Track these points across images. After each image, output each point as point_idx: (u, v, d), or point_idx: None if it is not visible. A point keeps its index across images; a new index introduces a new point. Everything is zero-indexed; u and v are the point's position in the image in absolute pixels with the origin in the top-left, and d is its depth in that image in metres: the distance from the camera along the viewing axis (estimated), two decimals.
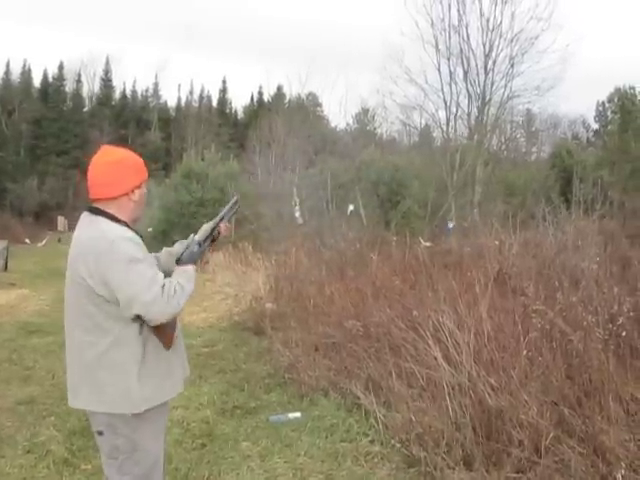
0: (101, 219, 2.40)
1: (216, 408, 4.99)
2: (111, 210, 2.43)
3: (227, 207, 2.87)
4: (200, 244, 2.66)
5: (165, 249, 2.77)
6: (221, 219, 2.78)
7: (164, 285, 2.35)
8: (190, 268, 2.55)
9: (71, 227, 35.04)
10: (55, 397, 5.26)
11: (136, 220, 2.54)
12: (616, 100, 37.28)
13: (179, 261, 2.59)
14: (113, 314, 2.34)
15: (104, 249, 2.31)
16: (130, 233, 2.41)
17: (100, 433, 2.45)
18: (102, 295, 2.32)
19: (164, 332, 2.43)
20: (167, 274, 2.47)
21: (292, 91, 50.22)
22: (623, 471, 3.05)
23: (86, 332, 2.37)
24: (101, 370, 2.36)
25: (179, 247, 2.69)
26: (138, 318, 2.35)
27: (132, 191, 2.46)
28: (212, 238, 2.73)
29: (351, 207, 18.69)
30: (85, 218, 2.46)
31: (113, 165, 2.43)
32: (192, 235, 2.70)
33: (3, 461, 3.93)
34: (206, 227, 2.74)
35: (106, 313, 2.34)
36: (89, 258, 2.32)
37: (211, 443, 4.28)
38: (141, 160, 2.56)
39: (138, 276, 2.31)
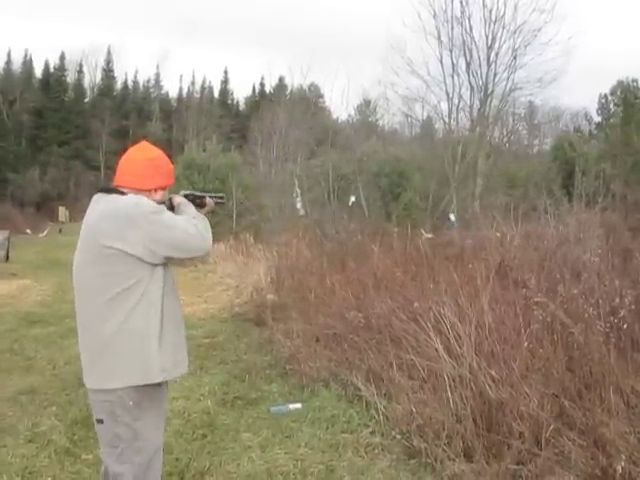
0: (116, 195, 2.46)
1: (217, 399, 4.99)
2: None
3: (215, 195, 2.95)
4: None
5: None
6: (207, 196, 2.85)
7: (196, 224, 2.46)
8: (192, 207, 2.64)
9: (72, 218, 35.18)
10: (56, 387, 5.27)
11: None
12: (619, 93, 37.17)
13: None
14: (134, 283, 2.37)
15: (129, 212, 2.36)
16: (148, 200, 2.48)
17: (100, 421, 2.46)
18: (135, 254, 2.35)
19: None
20: None
21: (294, 82, 50.07)
22: (623, 463, 3.05)
23: (105, 304, 2.37)
24: (120, 341, 2.37)
25: None
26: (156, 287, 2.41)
27: (155, 190, 2.55)
28: (194, 199, 2.75)
29: (352, 198, 18.69)
30: (99, 197, 2.50)
31: (147, 161, 2.54)
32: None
33: (5, 450, 3.94)
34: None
35: (125, 283, 2.36)
36: (121, 222, 2.35)
37: (212, 434, 4.28)
38: (172, 166, 2.68)
39: (172, 219, 2.43)
